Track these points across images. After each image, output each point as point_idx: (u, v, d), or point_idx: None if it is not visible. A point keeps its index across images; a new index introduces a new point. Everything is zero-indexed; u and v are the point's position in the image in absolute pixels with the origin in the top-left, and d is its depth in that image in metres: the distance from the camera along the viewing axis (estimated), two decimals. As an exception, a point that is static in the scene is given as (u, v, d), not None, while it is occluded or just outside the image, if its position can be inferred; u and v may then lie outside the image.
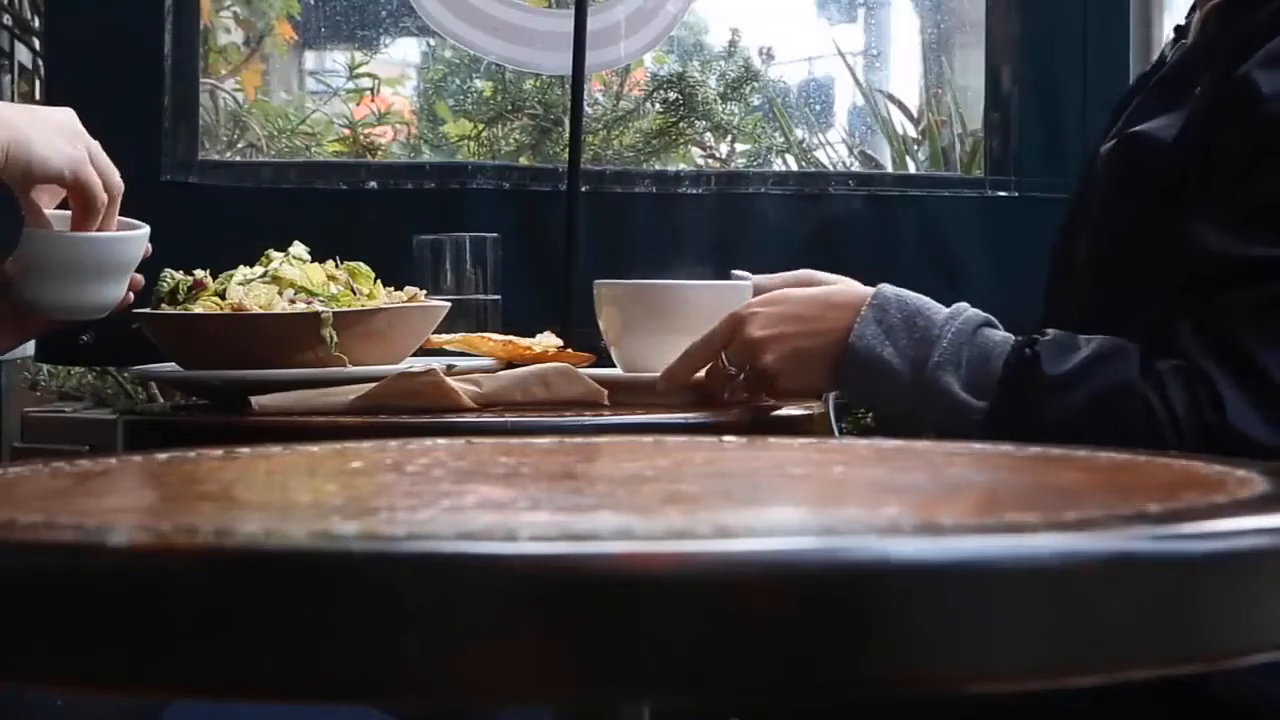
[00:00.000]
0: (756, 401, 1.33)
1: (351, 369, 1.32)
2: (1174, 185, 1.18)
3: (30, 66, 3.24)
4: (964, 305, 1.22)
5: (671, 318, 1.41)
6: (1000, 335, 1.19)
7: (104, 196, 1.18)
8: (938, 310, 1.21)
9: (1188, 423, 1.09)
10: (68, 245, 1.20)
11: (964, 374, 1.17)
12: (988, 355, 1.17)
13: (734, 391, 1.31)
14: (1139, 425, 1.10)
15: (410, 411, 1.26)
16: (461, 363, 1.41)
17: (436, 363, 1.36)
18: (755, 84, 3.05)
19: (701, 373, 1.32)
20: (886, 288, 1.24)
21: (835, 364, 1.22)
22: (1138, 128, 1.25)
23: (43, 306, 1.23)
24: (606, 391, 1.34)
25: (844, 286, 1.30)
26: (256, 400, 1.27)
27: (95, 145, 1.19)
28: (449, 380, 1.28)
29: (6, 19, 3.21)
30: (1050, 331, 1.18)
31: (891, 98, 3.14)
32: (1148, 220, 1.21)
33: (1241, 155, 1.13)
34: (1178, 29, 1.36)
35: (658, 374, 1.33)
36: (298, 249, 1.42)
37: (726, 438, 0.85)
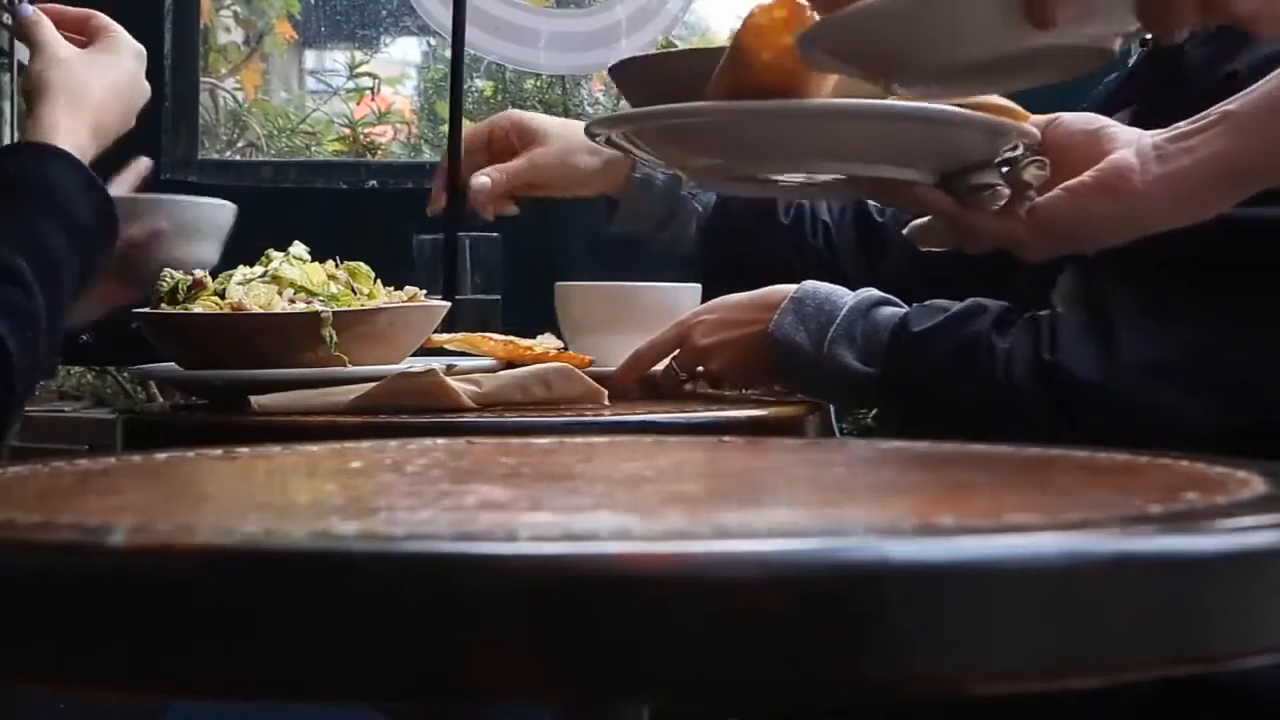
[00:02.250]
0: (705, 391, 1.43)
1: (351, 369, 1.32)
2: None
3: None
4: (870, 289, 1.29)
5: (624, 317, 1.51)
6: (894, 310, 1.26)
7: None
8: (846, 294, 1.29)
9: (1021, 361, 1.16)
10: (197, 209, 1.45)
11: (859, 346, 1.25)
12: (878, 327, 1.25)
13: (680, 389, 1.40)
14: (981, 371, 1.18)
15: (410, 411, 1.25)
16: (461, 363, 1.41)
17: (436, 363, 1.36)
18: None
19: (661, 364, 1.40)
20: (810, 282, 1.32)
21: (765, 357, 1.31)
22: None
23: (171, 265, 1.38)
24: (606, 391, 1.34)
25: (775, 287, 1.35)
26: (256, 400, 1.27)
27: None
28: (449, 380, 1.28)
29: (6, 18, 3.21)
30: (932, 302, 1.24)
31: (892, 97, 3.14)
32: None
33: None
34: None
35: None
36: (297, 248, 1.41)
37: (726, 438, 0.85)
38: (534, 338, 1.51)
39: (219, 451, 0.78)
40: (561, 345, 1.50)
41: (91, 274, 1.24)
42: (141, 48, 1.33)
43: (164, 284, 1.39)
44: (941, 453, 0.80)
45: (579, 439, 0.86)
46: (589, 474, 0.73)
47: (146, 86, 1.32)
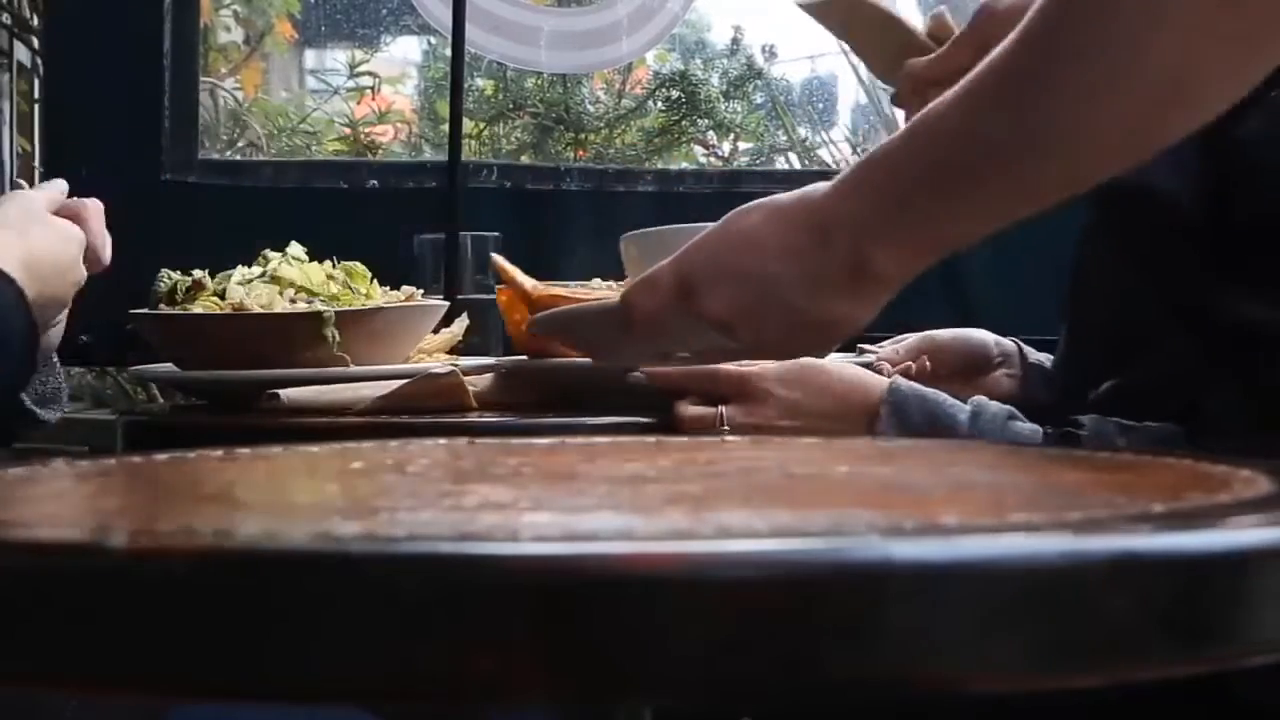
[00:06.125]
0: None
1: (353, 368, 1.32)
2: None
3: (30, 65, 3.24)
4: (982, 400, 1.20)
5: None
6: (1028, 428, 1.17)
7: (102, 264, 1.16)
8: (958, 409, 1.20)
9: None
10: None
11: None
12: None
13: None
14: None
15: (430, 411, 1.26)
16: (463, 362, 1.41)
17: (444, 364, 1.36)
18: (758, 82, 3.05)
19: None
20: (900, 383, 1.22)
21: None
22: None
23: None
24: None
25: (852, 377, 1.25)
26: (284, 394, 1.27)
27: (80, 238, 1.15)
28: (467, 381, 1.28)
29: (6, 18, 3.21)
30: (1085, 420, 1.12)
31: (893, 96, 3.13)
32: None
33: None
34: None
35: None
36: (295, 249, 1.41)
37: (728, 437, 0.85)
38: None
39: (219, 452, 0.78)
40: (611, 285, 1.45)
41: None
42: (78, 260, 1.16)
43: (162, 284, 1.39)
44: (944, 452, 0.80)
45: (580, 439, 0.86)
46: (590, 474, 0.72)
47: (82, 273, 1.14)
